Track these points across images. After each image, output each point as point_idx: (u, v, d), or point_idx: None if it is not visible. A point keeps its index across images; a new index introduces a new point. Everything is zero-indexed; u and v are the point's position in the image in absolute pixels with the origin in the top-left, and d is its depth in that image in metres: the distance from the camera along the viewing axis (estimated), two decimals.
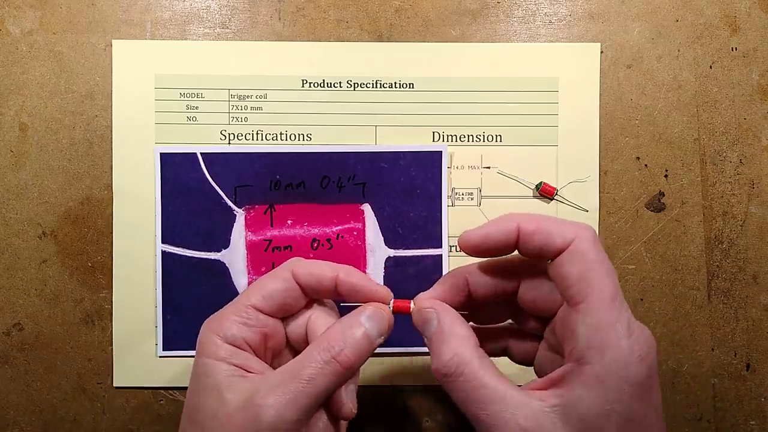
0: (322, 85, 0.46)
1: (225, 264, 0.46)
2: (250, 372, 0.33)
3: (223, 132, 0.46)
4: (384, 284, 0.42)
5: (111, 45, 0.46)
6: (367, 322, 0.34)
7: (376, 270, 0.46)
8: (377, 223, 0.46)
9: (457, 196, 0.47)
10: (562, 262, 0.31)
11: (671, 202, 0.47)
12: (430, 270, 0.46)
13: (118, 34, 0.46)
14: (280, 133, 0.46)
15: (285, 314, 0.36)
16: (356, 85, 0.46)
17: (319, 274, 0.35)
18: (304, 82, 0.46)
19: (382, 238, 0.46)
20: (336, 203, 0.46)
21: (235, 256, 0.46)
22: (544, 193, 0.46)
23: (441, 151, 0.46)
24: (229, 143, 0.46)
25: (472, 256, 0.35)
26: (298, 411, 0.31)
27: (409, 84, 0.46)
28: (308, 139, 0.46)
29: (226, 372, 0.33)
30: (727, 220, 0.47)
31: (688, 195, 0.47)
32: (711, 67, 0.47)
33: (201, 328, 0.35)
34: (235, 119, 0.46)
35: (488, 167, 0.47)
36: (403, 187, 0.46)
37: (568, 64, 0.46)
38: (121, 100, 0.46)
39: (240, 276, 0.46)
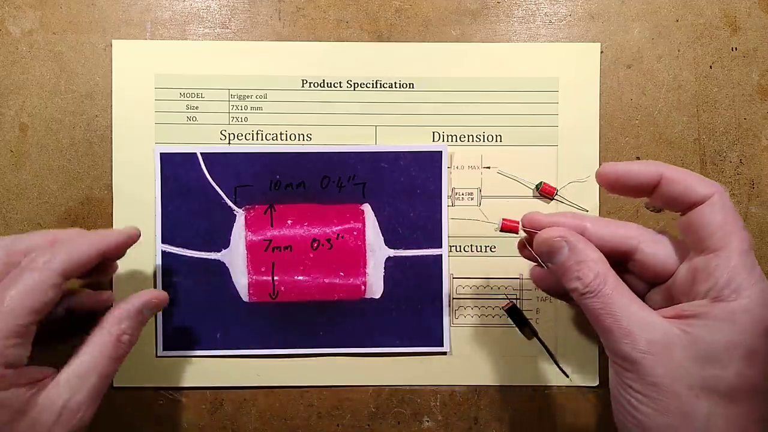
0: (322, 85, 0.46)
1: (225, 264, 0.46)
2: (39, 381, 0.35)
3: (223, 132, 0.46)
4: (385, 284, 0.46)
5: (111, 45, 0.46)
6: (148, 312, 0.40)
7: (376, 270, 0.46)
8: (377, 223, 0.46)
9: (457, 196, 0.47)
10: (703, 212, 0.34)
11: None
12: (431, 270, 0.46)
13: (118, 34, 0.46)
14: (280, 133, 0.46)
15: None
16: (356, 85, 0.46)
17: (83, 260, 0.37)
18: (304, 82, 0.46)
19: (382, 238, 0.46)
20: (336, 203, 0.46)
21: (235, 257, 0.46)
22: (544, 193, 0.46)
23: (441, 151, 0.46)
24: (229, 143, 0.46)
25: (605, 188, 0.37)
26: (96, 405, 0.37)
27: (409, 84, 0.46)
28: (308, 139, 0.46)
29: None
30: None
31: None
32: (711, 67, 0.47)
33: None
34: (235, 119, 0.46)
35: (488, 167, 0.47)
36: (404, 187, 0.46)
37: (568, 64, 0.46)
38: (121, 101, 0.46)
39: (240, 276, 0.46)
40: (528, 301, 0.47)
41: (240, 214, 0.46)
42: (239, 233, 0.46)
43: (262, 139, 0.46)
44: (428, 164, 0.46)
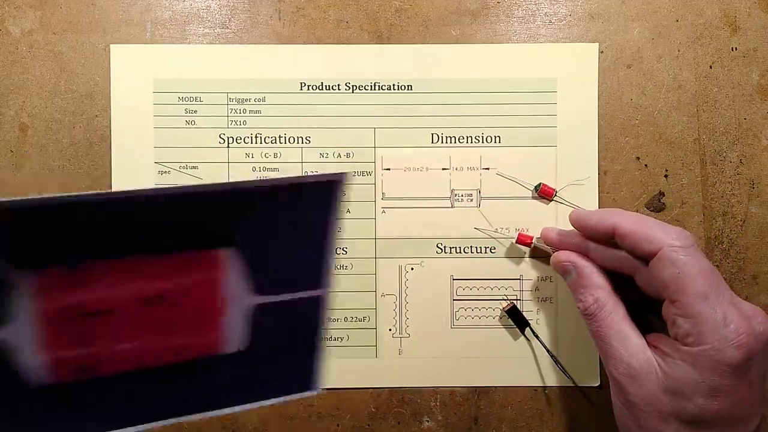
0: (320, 87, 0.46)
1: (7, 343, 0.33)
2: None
3: (221, 135, 0.46)
4: (251, 335, 0.37)
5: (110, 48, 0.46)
6: None
7: (238, 322, 0.37)
8: (242, 267, 0.36)
9: (457, 197, 0.47)
10: (654, 267, 0.37)
11: (671, 202, 0.47)
12: (308, 314, 0.38)
13: (118, 34, 0.46)
14: (279, 137, 0.46)
15: None
16: (355, 87, 0.46)
17: None
18: (303, 84, 0.46)
19: (247, 285, 0.36)
20: (181, 251, 0.35)
21: (22, 333, 0.33)
22: (544, 194, 0.46)
23: (338, 181, 0.35)
24: (228, 147, 0.46)
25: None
26: None
27: (408, 86, 0.46)
28: (307, 141, 0.46)
29: None
30: (727, 220, 0.47)
31: (688, 195, 0.47)
32: (711, 67, 0.47)
33: None
34: (233, 123, 0.46)
35: (487, 168, 0.47)
36: (281, 224, 0.36)
37: (565, 64, 0.46)
38: (120, 105, 0.46)
39: (31, 355, 0.33)
40: (528, 302, 0.47)
41: (26, 278, 0.32)
42: (26, 303, 0.33)
43: (261, 143, 0.46)
44: (318, 196, 0.36)
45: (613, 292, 0.40)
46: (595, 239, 0.41)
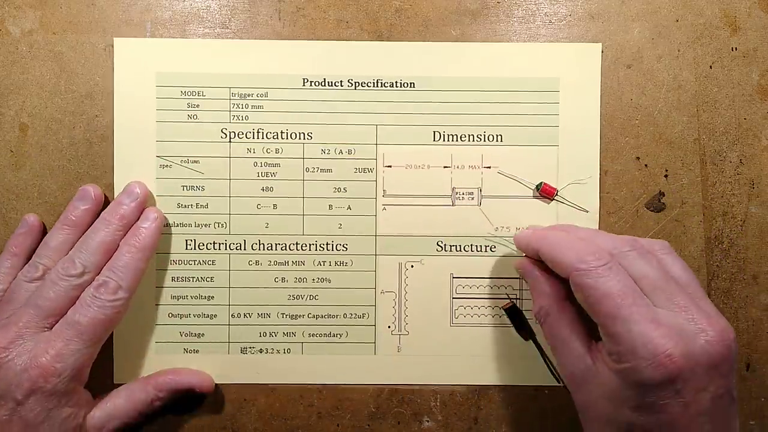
0: (323, 83, 0.46)
1: None
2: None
3: (223, 130, 0.46)
4: None
5: (111, 45, 0.46)
6: None
7: None
8: None
9: (458, 195, 0.47)
10: (572, 289, 0.38)
11: (671, 202, 0.47)
12: None
13: (118, 33, 0.46)
14: (281, 132, 0.46)
15: None
16: (357, 84, 0.46)
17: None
18: (305, 80, 0.46)
19: None
20: None
21: None
22: (545, 193, 0.46)
23: None
24: (230, 141, 0.46)
25: None
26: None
27: (410, 83, 0.46)
28: (309, 137, 0.46)
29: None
30: (727, 220, 0.47)
31: (688, 195, 0.47)
32: (711, 67, 0.47)
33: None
34: (236, 117, 0.46)
35: (489, 167, 0.47)
36: None
37: (569, 64, 0.46)
38: (123, 98, 0.46)
39: None
40: (528, 300, 0.47)
41: None
42: None
43: (262, 138, 0.46)
44: None
45: (561, 299, 0.40)
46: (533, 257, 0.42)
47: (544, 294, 0.40)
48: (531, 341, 0.45)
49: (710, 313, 0.36)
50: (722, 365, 0.34)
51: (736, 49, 0.47)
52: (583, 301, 0.37)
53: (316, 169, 0.47)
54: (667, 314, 0.35)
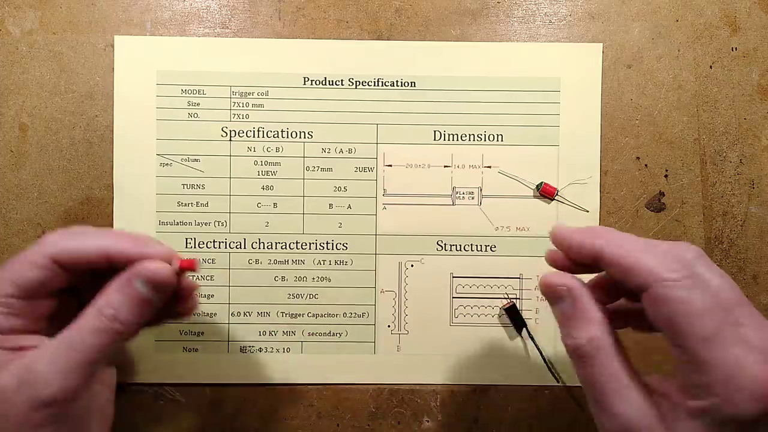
0: (323, 82, 0.46)
1: None
2: (24, 349, 0.32)
3: (224, 129, 0.46)
4: None
5: (111, 45, 0.46)
6: (142, 286, 0.33)
7: None
8: None
9: (458, 195, 0.47)
10: (646, 304, 0.30)
11: (671, 202, 0.47)
12: None
13: (118, 33, 0.46)
14: (281, 131, 0.46)
15: (56, 288, 0.34)
16: (358, 83, 0.46)
17: (81, 254, 0.33)
18: (306, 79, 0.46)
19: None
20: None
21: None
22: (545, 193, 0.46)
23: None
24: (230, 140, 0.46)
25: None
26: (76, 379, 0.31)
27: (411, 82, 0.46)
28: (309, 136, 0.46)
29: None
30: (727, 220, 0.47)
31: (688, 195, 0.47)
32: (711, 67, 0.47)
33: None
34: (236, 116, 0.46)
35: (489, 166, 0.47)
36: None
37: (570, 64, 0.46)
38: (123, 97, 0.46)
39: None
40: (528, 300, 0.47)
41: None
42: None
43: (263, 137, 0.46)
44: None
45: (610, 328, 0.32)
46: (577, 261, 0.34)
47: (594, 322, 0.32)
48: (531, 341, 0.45)
49: None
50: None
51: (736, 49, 0.47)
52: (666, 320, 0.29)
53: (316, 168, 0.47)
54: (753, 334, 0.29)
